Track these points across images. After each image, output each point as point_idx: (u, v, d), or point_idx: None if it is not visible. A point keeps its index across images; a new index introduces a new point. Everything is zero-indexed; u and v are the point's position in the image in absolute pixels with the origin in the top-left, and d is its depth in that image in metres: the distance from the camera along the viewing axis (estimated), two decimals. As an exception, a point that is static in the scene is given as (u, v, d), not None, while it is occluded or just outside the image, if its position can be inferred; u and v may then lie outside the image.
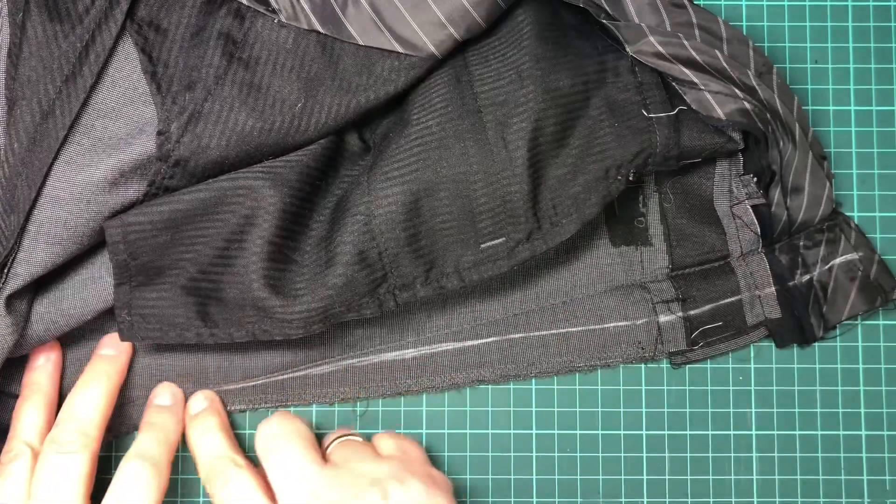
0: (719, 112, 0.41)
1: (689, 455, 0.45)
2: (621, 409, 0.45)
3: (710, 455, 0.45)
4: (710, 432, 0.45)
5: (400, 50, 0.41)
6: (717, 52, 0.41)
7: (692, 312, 0.44)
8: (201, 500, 0.45)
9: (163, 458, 0.40)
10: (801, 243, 0.44)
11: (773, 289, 0.44)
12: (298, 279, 0.41)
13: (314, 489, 0.38)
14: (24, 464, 0.39)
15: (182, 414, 0.43)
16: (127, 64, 0.40)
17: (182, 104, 0.40)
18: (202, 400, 0.44)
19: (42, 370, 0.42)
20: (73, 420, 0.39)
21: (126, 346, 0.44)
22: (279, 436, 0.40)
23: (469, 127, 0.40)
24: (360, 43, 0.41)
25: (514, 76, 0.41)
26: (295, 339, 0.43)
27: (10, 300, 0.39)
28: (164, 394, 0.44)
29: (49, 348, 0.43)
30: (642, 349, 0.44)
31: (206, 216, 0.40)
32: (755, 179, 0.44)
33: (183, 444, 0.43)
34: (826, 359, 0.46)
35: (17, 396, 0.43)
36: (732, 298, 0.45)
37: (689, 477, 0.45)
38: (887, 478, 0.45)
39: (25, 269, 0.39)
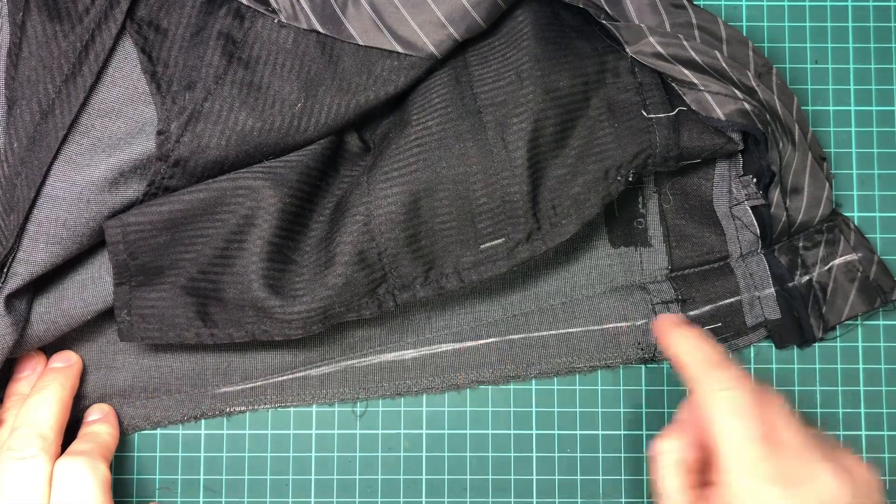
0: (719, 113, 0.41)
1: (689, 455, 0.45)
2: (621, 410, 0.45)
3: (710, 455, 0.45)
4: (710, 433, 0.45)
5: (400, 50, 0.41)
6: (716, 52, 0.41)
7: (692, 313, 0.44)
8: (201, 500, 0.45)
9: (95, 453, 0.39)
10: (801, 244, 0.44)
11: (772, 290, 0.44)
12: (298, 279, 0.41)
13: None
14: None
15: (114, 422, 0.43)
16: (127, 63, 0.40)
17: (182, 104, 0.40)
18: (100, 406, 0.44)
19: (26, 381, 0.42)
20: (29, 424, 0.39)
21: (76, 360, 0.44)
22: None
23: (469, 127, 0.40)
24: (360, 43, 0.41)
25: (513, 76, 0.41)
26: (295, 339, 0.43)
27: (10, 300, 0.39)
28: (94, 411, 0.44)
29: (34, 360, 0.43)
30: (642, 350, 0.44)
31: (206, 216, 0.40)
32: (755, 180, 0.44)
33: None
34: (826, 359, 0.46)
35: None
36: (732, 299, 0.44)
37: (689, 477, 0.45)
38: (887, 478, 0.45)
39: (25, 268, 0.39)
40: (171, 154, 0.40)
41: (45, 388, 0.41)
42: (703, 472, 0.38)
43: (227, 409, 0.44)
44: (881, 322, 0.46)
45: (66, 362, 0.43)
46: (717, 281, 0.45)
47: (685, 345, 0.38)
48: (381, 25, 0.41)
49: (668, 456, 0.37)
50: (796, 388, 0.45)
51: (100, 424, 0.42)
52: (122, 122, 0.40)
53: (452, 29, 0.41)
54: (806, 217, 0.44)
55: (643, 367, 0.46)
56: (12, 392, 0.42)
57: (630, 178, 0.41)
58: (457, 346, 0.45)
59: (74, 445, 0.40)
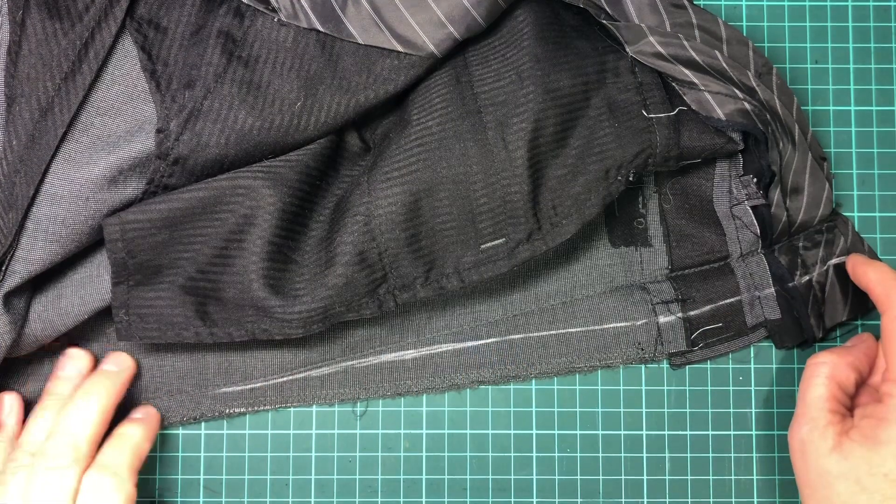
0: (719, 112, 0.41)
1: (689, 455, 0.45)
2: (621, 410, 0.45)
3: (711, 455, 0.45)
4: (710, 433, 0.45)
5: (400, 49, 0.41)
6: (716, 52, 0.41)
7: (692, 313, 0.44)
8: (201, 500, 0.45)
9: (125, 468, 0.39)
10: (801, 244, 0.44)
11: (772, 290, 0.44)
12: (298, 279, 0.41)
13: None
14: (22, 478, 0.38)
15: (154, 427, 0.43)
16: (126, 62, 0.40)
17: (181, 102, 0.40)
18: (147, 408, 0.44)
19: (67, 381, 0.42)
20: (66, 434, 0.39)
21: (129, 365, 0.43)
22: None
23: (469, 127, 0.40)
24: (360, 42, 0.41)
25: (514, 76, 0.41)
26: (295, 339, 0.43)
27: (8, 298, 0.39)
28: (139, 409, 0.43)
29: (80, 360, 0.43)
30: (642, 350, 0.44)
31: (205, 215, 0.40)
32: (755, 180, 0.44)
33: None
34: (826, 359, 0.46)
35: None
36: (732, 299, 0.44)
37: (689, 477, 0.45)
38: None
39: (23, 266, 0.39)
40: (170, 152, 0.40)
41: (89, 395, 0.40)
42: (851, 398, 0.41)
43: (227, 410, 0.44)
44: (879, 322, 0.46)
45: (119, 366, 0.43)
46: (718, 281, 0.45)
47: (875, 275, 0.41)
48: (381, 24, 0.41)
49: (822, 368, 0.40)
50: (796, 388, 0.45)
51: (138, 427, 0.41)
52: (121, 120, 0.40)
53: (452, 28, 0.41)
54: (806, 217, 0.44)
55: (643, 367, 0.46)
56: (50, 390, 0.41)
57: (630, 178, 0.41)
58: (457, 346, 0.45)
59: (107, 453, 0.40)
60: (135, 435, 0.41)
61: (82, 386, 0.41)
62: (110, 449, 0.40)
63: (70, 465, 0.38)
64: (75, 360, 0.42)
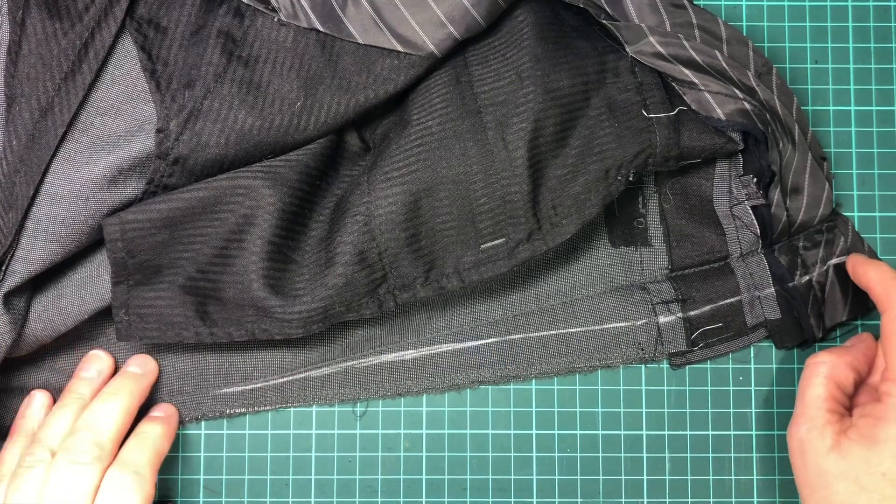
0: (719, 112, 0.41)
1: (689, 455, 0.45)
2: (621, 410, 0.45)
3: (711, 455, 0.45)
4: (710, 432, 0.45)
5: (400, 49, 0.41)
6: (716, 52, 0.41)
7: (692, 313, 0.44)
8: (201, 500, 0.45)
9: (146, 467, 0.39)
10: (801, 244, 0.44)
11: (772, 290, 0.44)
12: (298, 279, 0.41)
13: None
14: (41, 472, 0.38)
15: (174, 426, 0.43)
16: (126, 62, 0.40)
17: (181, 102, 0.40)
18: (166, 407, 0.44)
19: (88, 382, 0.42)
20: (89, 430, 0.39)
21: (152, 367, 0.43)
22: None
23: (469, 127, 0.40)
24: (360, 41, 0.41)
25: (514, 76, 0.41)
26: (295, 339, 0.43)
27: (8, 298, 0.39)
28: (159, 408, 0.44)
29: (102, 362, 0.43)
30: (642, 350, 0.44)
31: (205, 215, 0.40)
32: (755, 180, 0.44)
33: (182, 450, 0.43)
34: (826, 359, 0.46)
35: (13, 392, 0.43)
36: (732, 299, 0.44)
37: (689, 477, 0.45)
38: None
39: (23, 266, 0.39)
40: (170, 152, 0.40)
41: (113, 395, 0.41)
42: (850, 397, 0.41)
43: (228, 411, 0.44)
44: (879, 322, 0.46)
45: (143, 369, 0.43)
46: (718, 281, 0.45)
47: (875, 275, 0.41)
48: (381, 24, 0.41)
49: (821, 367, 0.40)
50: (796, 388, 0.45)
51: (159, 426, 0.42)
52: (121, 119, 0.40)
53: (452, 28, 0.41)
54: (806, 217, 0.44)
55: (643, 367, 0.46)
56: (71, 389, 0.42)
57: (630, 178, 0.41)
58: (457, 346, 0.45)
59: (130, 451, 0.40)
60: (156, 433, 0.41)
61: (107, 385, 0.41)
62: (133, 447, 0.40)
63: (92, 461, 0.38)
64: (97, 361, 0.43)
